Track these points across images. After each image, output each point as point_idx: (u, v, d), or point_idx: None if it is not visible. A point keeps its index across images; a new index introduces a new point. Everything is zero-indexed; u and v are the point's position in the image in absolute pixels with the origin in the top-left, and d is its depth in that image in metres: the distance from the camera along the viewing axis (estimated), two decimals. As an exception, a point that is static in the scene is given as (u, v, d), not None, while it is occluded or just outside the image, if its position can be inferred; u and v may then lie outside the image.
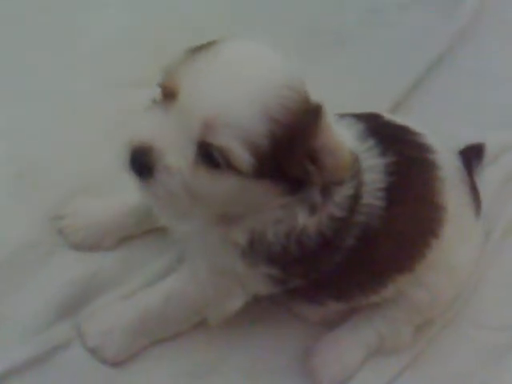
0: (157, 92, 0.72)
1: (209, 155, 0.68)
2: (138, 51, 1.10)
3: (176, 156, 0.69)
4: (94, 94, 1.05)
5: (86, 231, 0.92)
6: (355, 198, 0.76)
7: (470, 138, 1.01)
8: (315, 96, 0.72)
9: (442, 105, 1.02)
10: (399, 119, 0.87)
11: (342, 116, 0.81)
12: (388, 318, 0.89)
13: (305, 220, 0.74)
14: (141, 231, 0.94)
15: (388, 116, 0.87)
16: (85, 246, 0.92)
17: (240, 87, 0.68)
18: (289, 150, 0.69)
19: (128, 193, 0.85)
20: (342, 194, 0.76)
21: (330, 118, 0.72)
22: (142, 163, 0.69)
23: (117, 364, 0.86)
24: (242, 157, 0.68)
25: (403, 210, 0.80)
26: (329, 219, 0.75)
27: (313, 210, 0.74)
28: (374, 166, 0.78)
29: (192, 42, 1.04)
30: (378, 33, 1.18)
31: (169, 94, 0.70)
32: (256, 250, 0.76)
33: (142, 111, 0.72)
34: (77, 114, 1.03)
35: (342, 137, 0.74)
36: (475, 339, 0.95)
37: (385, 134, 0.81)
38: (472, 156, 0.99)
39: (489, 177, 1.03)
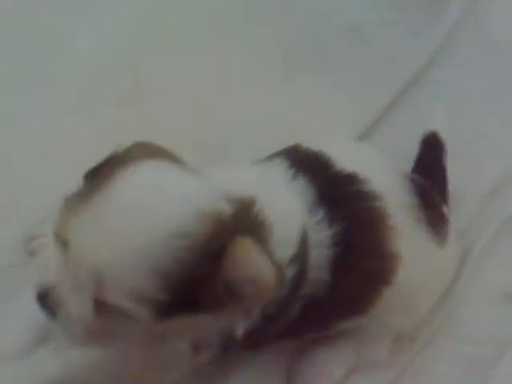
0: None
1: (107, 307, 0.65)
2: (116, 71, 1.10)
3: (76, 305, 0.66)
4: (71, 113, 1.05)
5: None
6: (299, 276, 0.73)
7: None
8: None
9: (420, 121, 1.02)
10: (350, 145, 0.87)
11: (269, 159, 0.80)
12: (362, 333, 0.88)
13: (244, 326, 0.70)
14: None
15: (323, 146, 0.83)
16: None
17: (127, 241, 0.62)
18: (195, 290, 0.63)
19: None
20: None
21: (252, 241, 0.65)
22: (47, 306, 0.68)
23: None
24: (138, 312, 0.64)
25: (353, 275, 0.77)
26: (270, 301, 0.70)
27: (248, 315, 0.69)
28: (322, 240, 0.75)
29: (170, 61, 1.10)
30: (357, 50, 1.18)
31: (62, 243, 0.66)
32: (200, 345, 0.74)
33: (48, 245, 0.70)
34: (53, 134, 1.03)
35: (290, 218, 0.72)
36: (458, 353, 0.95)
37: (332, 193, 0.77)
38: (436, 152, 0.98)
39: (472, 189, 1.04)
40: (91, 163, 0.97)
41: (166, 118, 1.06)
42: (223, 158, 1.00)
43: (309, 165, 0.79)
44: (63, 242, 0.66)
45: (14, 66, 1.10)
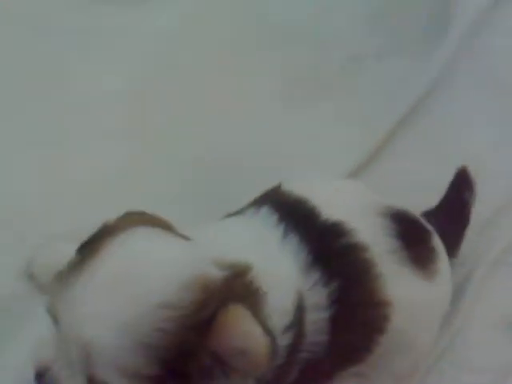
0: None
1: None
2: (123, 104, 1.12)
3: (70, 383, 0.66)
4: (82, 145, 1.07)
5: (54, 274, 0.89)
6: (296, 342, 0.72)
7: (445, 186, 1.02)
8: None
9: (418, 153, 1.03)
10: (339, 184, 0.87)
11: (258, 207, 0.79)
12: (364, 378, 0.86)
13: None
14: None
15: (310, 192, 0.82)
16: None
17: (113, 315, 0.62)
18: (185, 361, 0.62)
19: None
20: (280, 344, 0.69)
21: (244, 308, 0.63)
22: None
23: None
24: None
25: (348, 329, 0.77)
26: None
27: None
28: (318, 303, 0.74)
29: (173, 91, 1.12)
30: (356, 80, 1.20)
31: (54, 318, 0.66)
32: None
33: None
34: (64, 165, 1.04)
35: (283, 282, 0.71)
36: (462, 382, 0.95)
37: (322, 251, 0.76)
38: (464, 189, 0.98)
39: (471, 217, 1.03)
40: (95, 193, 1.00)
41: (169, 143, 1.08)
42: (222, 185, 1.05)
43: (296, 217, 0.78)
44: (54, 318, 0.65)
45: (18, 95, 1.12)
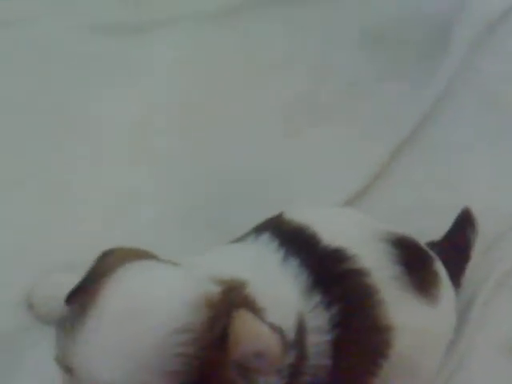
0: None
1: None
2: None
3: None
4: (92, 173, 1.08)
5: (54, 304, 0.89)
6: (298, 363, 0.72)
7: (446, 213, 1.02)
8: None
9: (418, 177, 1.03)
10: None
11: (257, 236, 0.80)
12: None
13: None
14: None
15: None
16: (50, 318, 0.88)
17: (127, 354, 0.61)
18: (208, 379, 0.62)
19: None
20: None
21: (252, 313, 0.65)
22: None
23: None
24: None
25: (351, 353, 0.77)
26: None
27: None
28: (320, 326, 0.74)
29: (179, 121, 1.13)
30: (356, 105, 1.20)
31: (66, 370, 0.66)
32: None
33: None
34: (64, 195, 1.05)
35: (284, 302, 0.71)
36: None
37: (323, 275, 0.77)
38: (466, 226, 1.01)
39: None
40: (93, 225, 1.00)
41: (172, 169, 1.10)
42: (225, 211, 1.05)
43: (297, 243, 0.78)
44: (67, 369, 0.65)
45: (30, 123, 1.13)
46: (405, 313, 0.80)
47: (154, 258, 0.70)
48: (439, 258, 0.90)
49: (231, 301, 0.65)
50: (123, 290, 0.64)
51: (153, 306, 0.63)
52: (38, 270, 0.95)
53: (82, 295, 0.66)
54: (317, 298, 0.75)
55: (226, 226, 0.91)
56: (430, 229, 1.00)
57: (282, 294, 0.73)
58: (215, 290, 0.66)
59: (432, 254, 0.89)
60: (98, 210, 1.04)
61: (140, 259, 0.68)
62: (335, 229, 0.81)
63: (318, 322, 0.75)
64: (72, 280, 0.88)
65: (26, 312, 0.93)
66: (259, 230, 0.83)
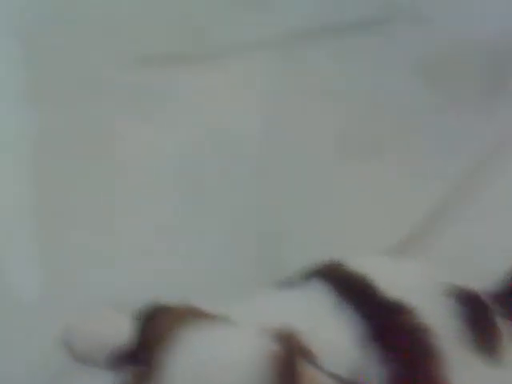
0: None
1: None
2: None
3: None
4: (130, 208, 1.07)
5: (91, 345, 0.87)
6: None
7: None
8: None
9: (489, 216, 0.99)
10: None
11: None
12: None
13: None
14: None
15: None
16: (86, 359, 0.86)
17: None
18: None
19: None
20: None
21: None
22: None
23: None
24: None
25: None
26: None
27: None
28: (372, 379, 0.72)
29: (226, 155, 1.13)
30: (408, 138, 1.17)
31: None
32: None
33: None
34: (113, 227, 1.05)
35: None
36: None
37: (378, 326, 0.74)
38: None
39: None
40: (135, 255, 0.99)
41: (217, 204, 1.09)
42: (272, 250, 1.02)
43: (353, 291, 0.77)
44: None
45: (69, 156, 1.13)
46: (468, 374, 0.76)
47: (207, 316, 0.69)
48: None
49: (293, 355, 0.64)
50: (191, 356, 0.64)
51: (222, 371, 0.63)
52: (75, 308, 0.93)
53: (141, 360, 0.65)
54: (371, 350, 0.73)
55: (278, 262, 0.91)
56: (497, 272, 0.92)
57: (334, 343, 0.72)
58: (276, 346, 0.64)
59: (496, 308, 0.85)
60: (140, 245, 1.02)
61: (195, 319, 0.67)
62: (394, 279, 0.79)
63: (371, 374, 0.72)
64: (113, 318, 0.89)
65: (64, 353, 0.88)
66: (310, 275, 0.81)
